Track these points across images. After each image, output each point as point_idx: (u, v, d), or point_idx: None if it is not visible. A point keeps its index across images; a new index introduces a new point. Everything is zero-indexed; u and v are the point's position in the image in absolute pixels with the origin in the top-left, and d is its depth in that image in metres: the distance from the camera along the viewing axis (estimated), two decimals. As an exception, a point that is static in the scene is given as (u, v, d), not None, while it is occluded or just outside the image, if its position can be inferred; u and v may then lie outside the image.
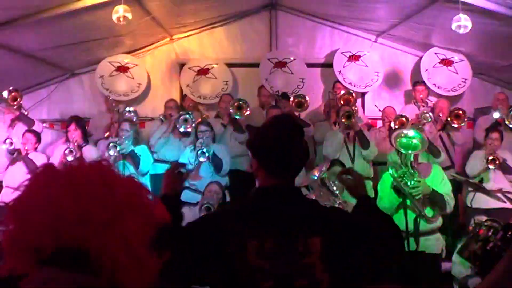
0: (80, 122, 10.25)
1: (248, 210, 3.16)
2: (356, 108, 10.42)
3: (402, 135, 7.71)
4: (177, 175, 3.80)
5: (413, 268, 7.58)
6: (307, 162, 9.34)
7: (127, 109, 11.19)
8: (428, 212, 7.54)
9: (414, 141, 7.63)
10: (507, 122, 10.19)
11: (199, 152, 9.31)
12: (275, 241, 2.94)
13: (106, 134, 10.77)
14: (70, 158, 9.59)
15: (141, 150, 9.89)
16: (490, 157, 9.42)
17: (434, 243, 7.67)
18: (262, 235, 2.95)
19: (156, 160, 10.27)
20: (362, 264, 3.13)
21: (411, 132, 7.82)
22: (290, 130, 3.24)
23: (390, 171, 7.59)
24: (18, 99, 10.45)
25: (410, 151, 7.54)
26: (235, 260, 2.89)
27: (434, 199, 7.53)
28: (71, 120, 10.27)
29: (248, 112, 10.32)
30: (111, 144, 9.61)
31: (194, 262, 3.00)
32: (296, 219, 3.07)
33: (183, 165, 4.09)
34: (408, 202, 7.44)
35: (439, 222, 7.72)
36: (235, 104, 10.40)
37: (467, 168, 9.97)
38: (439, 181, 7.76)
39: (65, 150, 9.73)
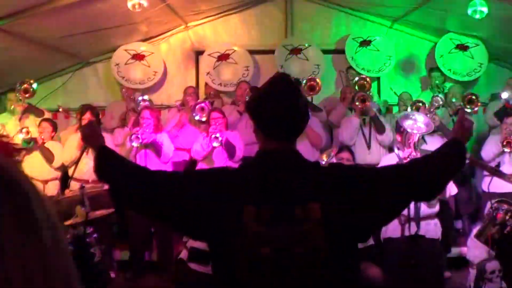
0: (94, 110, 10.26)
1: (246, 175, 3.13)
2: (370, 93, 10.40)
3: (409, 116, 7.68)
4: (93, 126, 3.79)
5: (415, 251, 7.60)
6: (323, 146, 9.26)
7: (140, 98, 11.17)
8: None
9: (419, 123, 7.61)
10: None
11: (212, 137, 9.31)
12: (273, 207, 2.89)
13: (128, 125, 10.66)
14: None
15: (162, 138, 9.85)
16: (506, 141, 9.39)
17: (433, 228, 7.66)
18: (259, 201, 2.90)
19: (176, 148, 10.26)
20: (361, 223, 3.09)
21: (418, 115, 7.80)
22: (284, 89, 3.18)
23: (396, 151, 7.58)
24: (31, 91, 10.46)
25: (415, 132, 7.51)
26: (229, 223, 2.86)
27: None
28: (86, 108, 10.27)
29: None
30: (133, 136, 9.58)
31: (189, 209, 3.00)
32: (294, 183, 3.02)
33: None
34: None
35: (437, 207, 7.72)
36: (249, 89, 10.38)
37: (482, 153, 9.94)
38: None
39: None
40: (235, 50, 12.19)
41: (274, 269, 2.82)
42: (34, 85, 10.38)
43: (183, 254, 7.41)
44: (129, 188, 3.21)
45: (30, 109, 10.65)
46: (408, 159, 7.44)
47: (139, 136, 9.48)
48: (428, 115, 8.67)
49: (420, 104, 10.23)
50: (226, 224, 2.87)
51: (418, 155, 7.47)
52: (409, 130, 7.50)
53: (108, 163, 3.37)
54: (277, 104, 3.12)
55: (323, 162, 7.59)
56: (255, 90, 3.39)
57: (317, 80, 10.62)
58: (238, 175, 3.16)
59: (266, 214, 2.86)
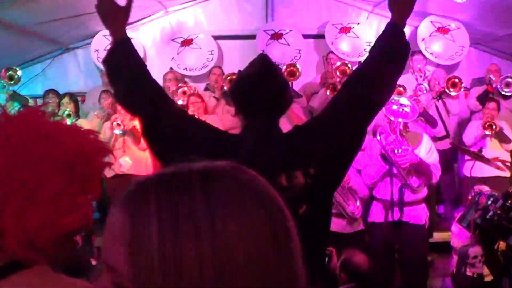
0: (73, 96, 10.19)
1: (230, 146, 3.15)
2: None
3: (393, 101, 7.65)
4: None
5: (398, 238, 7.63)
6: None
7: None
8: (413, 182, 7.53)
9: (405, 109, 7.58)
10: (500, 89, 10.24)
11: None
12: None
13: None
14: (69, 121, 9.55)
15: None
16: (487, 124, 9.41)
17: (418, 214, 7.67)
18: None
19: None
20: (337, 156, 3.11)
21: (403, 100, 7.78)
22: (263, 70, 3.17)
23: (378, 137, 7.56)
24: (16, 78, 10.38)
25: (400, 119, 7.50)
26: None
27: (420, 168, 7.52)
28: (64, 93, 10.20)
29: None
30: (114, 123, 9.51)
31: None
32: (276, 155, 3.05)
33: None
34: (394, 169, 7.44)
35: (423, 192, 7.73)
36: (228, 78, 10.35)
37: (464, 137, 9.99)
38: (426, 150, 7.75)
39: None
40: (198, 36, 12.16)
41: None
42: (19, 72, 10.30)
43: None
44: (137, 89, 3.23)
45: (15, 96, 10.53)
46: (392, 145, 7.44)
47: (119, 122, 9.43)
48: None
49: (401, 88, 10.24)
50: None
51: (404, 141, 7.48)
52: (392, 118, 7.48)
53: (125, 62, 3.34)
54: (256, 85, 3.13)
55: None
56: (237, 73, 3.41)
57: (297, 65, 10.60)
58: (226, 144, 3.18)
59: None
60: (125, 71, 3.27)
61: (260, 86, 3.12)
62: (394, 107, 7.53)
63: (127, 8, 3.35)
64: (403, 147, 7.42)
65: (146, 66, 3.48)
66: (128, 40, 3.37)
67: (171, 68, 11.88)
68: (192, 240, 1.03)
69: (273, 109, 3.20)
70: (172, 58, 11.98)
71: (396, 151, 7.41)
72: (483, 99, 10.25)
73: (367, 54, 3.46)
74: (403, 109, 7.55)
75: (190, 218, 1.05)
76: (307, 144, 3.13)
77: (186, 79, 11.80)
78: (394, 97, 8.02)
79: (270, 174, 2.90)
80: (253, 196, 1.11)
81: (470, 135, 9.83)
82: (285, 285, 1.08)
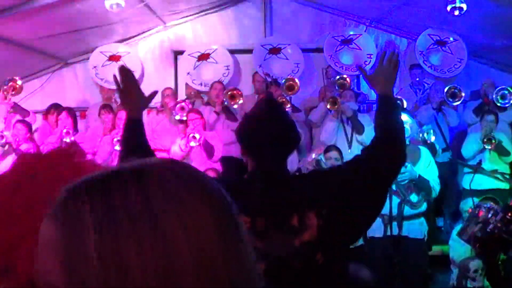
0: (71, 111, 10.17)
1: (239, 189, 3.05)
2: (348, 92, 10.36)
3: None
4: (134, 82, 3.56)
5: (397, 253, 7.60)
6: (302, 147, 9.28)
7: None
8: (413, 197, 7.52)
9: (406, 125, 7.58)
10: (495, 101, 10.25)
11: (190, 137, 9.27)
12: (268, 218, 2.91)
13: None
14: (67, 139, 9.54)
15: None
16: (486, 138, 9.41)
17: (418, 228, 7.66)
18: (253, 213, 2.89)
19: (155, 149, 10.19)
20: (354, 219, 3.12)
21: (403, 116, 7.77)
22: (265, 112, 3.20)
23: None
24: (17, 88, 10.36)
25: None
26: None
27: (419, 184, 7.51)
28: (62, 108, 10.18)
29: (241, 101, 10.25)
30: (115, 140, 9.51)
31: None
32: (287, 196, 3.05)
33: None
34: (393, 186, 7.42)
35: (423, 206, 7.72)
36: (229, 93, 10.34)
37: (463, 150, 9.97)
38: (426, 165, 7.75)
39: (62, 130, 9.65)
40: (215, 50, 12.09)
41: (270, 283, 2.80)
42: (19, 82, 10.28)
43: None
44: None
45: (16, 108, 10.52)
46: None
47: (119, 139, 9.42)
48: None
49: (398, 102, 10.25)
50: None
51: None
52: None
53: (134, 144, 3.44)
54: (262, 128, 3.16)
55: (310, 159, 7.59)
56: (244, 115, 3.43)
57: (296, 80, 10.60)
58: (234, 188, 3.18)
59: (261, 225, 2.84)
60: (132, 144, 3.43)
61: (265, 129, 3.14)
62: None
63: (149, 98, 3.58)
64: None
65: (148, 143, 3.61)
66: (139, 121, 3.49)
67: (186, 84, 11.90)
68: (134, 245, 0.95)
69: (279, 151, 3.22)
70: (188, 73, 11.93)
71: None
72: (479, 111, 10.26)
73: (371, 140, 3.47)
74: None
75: (129, 221, 0.97)
76: (321, 187, 3.13)
77: (202, 95, 11.80)
78: None
79: (282, 215, 2.92)
80: (195, 191, 1.04)
81: (469, 149, 9.82)
82: (235, 285, 1.02)
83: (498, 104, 10.22)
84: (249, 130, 3.24)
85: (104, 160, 9.91)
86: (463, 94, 10.45)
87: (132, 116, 3.45)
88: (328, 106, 9.83)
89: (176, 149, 9.56)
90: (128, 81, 3.48)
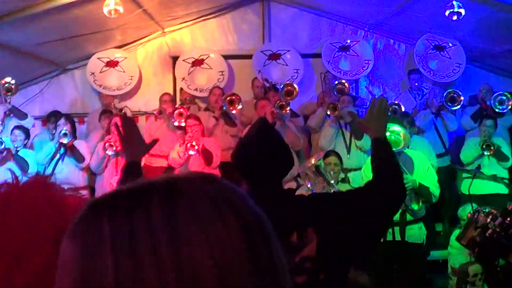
0: (69, 117, 10.14)
1: None
2: (347, 98, 10.36)
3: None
4: (135, 129, 3.57)
5: (399, 258, 7.61)
6: (301, 151, 9.27)
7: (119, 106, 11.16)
8: (414, 205, 7.53)
9: (397, 136, 7.59)
10: (493, 106, 10.26)
11: (188, 145, 9.26)
12: None
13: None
14: (65, 140, 9.51)
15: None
16: (485, 144, 9.41)
17: (417, 232, 7.67)
18: None
19: (154, 155, 10.18)
20: (352, 245, 3.16)
21: (396, 127, 7.77)
22: (257, 137, 3.32)
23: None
24: (13, 91, 10.33)
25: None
26: None
27: (420, 192, 7.53)
28: (60, 115, 10.15)
29: (239, 107, 10.23)
30: (107, 144, 9.51)
31: None
32: (286, 214, 3.10)
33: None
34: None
35: (422, 211, 7.74)
36: (228, 98, 10.34)
37: (462, 156, 9.97)
38: (424, 170, 7.77)
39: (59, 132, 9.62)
40: (209, 56, 12.11)
41: None
42: (13, 81, 10.24)
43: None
44: None
45: (14, 111, 10.50)
46: None
47: (112, 143, 9.41)
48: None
49: (396, 107, 10.27)
50: None
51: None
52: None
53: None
54: (255, 153, 3.29)
55: (310, 164, 7.59)
56: (239, 141, 3.53)
57: (294, 85, 10.60)
58: None
59: None
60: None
61: (260, 154, 3.25)
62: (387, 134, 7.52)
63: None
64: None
65: None
66: (138, 164, 3.55)
67: (181, 89, 11.90)
68: (154, 267, 0.92)
69: (274, 173, 3.31)
70: (183, 79, 11.92)
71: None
72: (477, 117, 10.27)
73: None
74: (394, 136, 7.55)
75: (148, 242, 0.94)
76: (320, 206, 3.21)
77: (196, 100, 11.82)
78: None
79: (281, 232, 2.95)
80: (223, 208, 1.01)
81: (468, 154, 9.82)
82: None
83: (496, 110, 10.22)
84: (244, 155, 3.35)
85: (96, 165, 9.93)
86: (462, 98, 10.46)
87: (131, 160, 3.48)
88: (328, 112, 9.81)
89: (175, 156, 9.55)
90: (129, 129, 3.52)
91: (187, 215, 0.97)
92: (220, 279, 0.94)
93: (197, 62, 12.07)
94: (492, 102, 10.26)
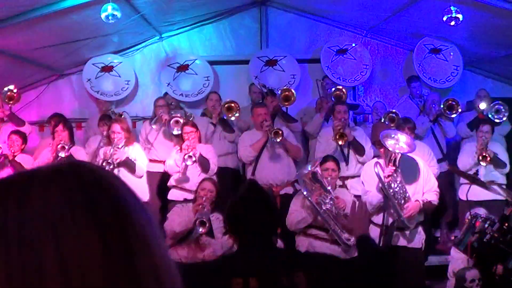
0: (68, 123, 10.08)
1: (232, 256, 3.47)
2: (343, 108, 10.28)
3: (391, 135, 7.70)
4: None
5: (396, 261, 7.64)
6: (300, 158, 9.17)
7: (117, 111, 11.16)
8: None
9: (402, 143, 7.62)
10: (490, 116, 10.29)
11: (185, 157, 9.21)
12: (259, 279, 3.07)
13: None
14: (62, 154, 9.47)
15: (134, 151, 9.67)
16: (481, 155, 9.41)
17: (416, 237, 7.70)
18: (246, 274, 3.12)
19: (151, 160, 10.17)
20: None
21: (401, 135, 7.80)
22: (246, 198, 3.52)
23: (376, 169, 7.58)
24: (15, 98, 10.33)
25: (397, 151, 7.52)
26: None
27: (424, 210, 7.67)
28: (58, 120, 10.10)
29: (237, 114, 10.21)
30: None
31: None
32: (278, 259, 3.32)
33: None
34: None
35: (421, 216, 7.78)
36: (226, 105, 10.34)
37: (459, 163, 9.97)
38: (424, 177, 7.81)
39: (57, 145, 9.56)
40: (194, 61, 12.11)
41: None
42: (15, 90, 10.24)
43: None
44: None
45: (12, 118, 10.50)
46: (389, 178, 7.49)
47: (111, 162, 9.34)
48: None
49: (394, 115, 10.28)
50: None
51: (398, 177, 7.54)
52: (390, 149, 7.50)
53: None
54: (245, 213, 3.47)
55: (306, 171, 7.60)
56: (231, 200, 3.71)
57: (292, 90, 10.59)
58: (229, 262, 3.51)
59: (254, 286, 3.06)
60: None
61: (248, 213, 3.42)
62: (391, 141, 7.55)
63: None
64: (406, 195, 7.54)
65: None
66: None
67: (165, 94, 11.83)
68: (3, 255, 0.91)
69: (264, 229, 3.46)
70: (168, 84, 11.90)
71: (393, 185, 7.50)
72: (473, 125, 10.28)
73: None
74: (399, 143, 7.58)
75: (1, 231, 0.93)
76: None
77: (181, 105, 11.77)
78: (392, 132, 8.08)
79: (272, 276, 3.09)
80: (80, 200, 0.96)
81: (465, 161, 9.82)
82: None
83: (494, 120, 10.26)
84: (234, 215, 3.53)
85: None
86: (460, 110, 10.49)
87: None
88: (340, 143, 9.60)
89: (171, 163, 9.49)
90: None
91: (39, 210, 0.95)
92: (64, 270, 0.91)
93: (182, 68, 12.06)
94: (489, 112, 10.31)
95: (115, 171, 9.44)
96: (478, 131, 9.80)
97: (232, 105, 10.22)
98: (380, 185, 7.51)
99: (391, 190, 7.45)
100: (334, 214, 7.52)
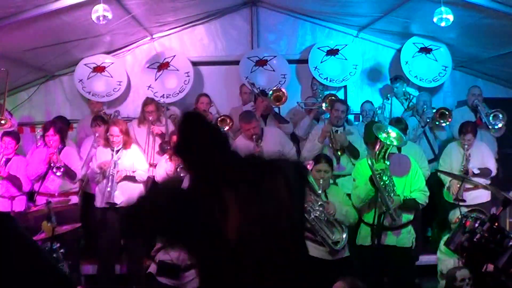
0: (58, 125, 9.93)
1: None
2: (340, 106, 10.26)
3: (383, 130, 7.71)
4: None
5: (386, 261, 7.65)
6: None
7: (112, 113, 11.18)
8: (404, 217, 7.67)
9: (392, 138, 7.62)
10: (485, 120, 10.36)
11: (178, 169, 9.11)
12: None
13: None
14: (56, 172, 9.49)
15: (133, 153, 9.69)
16: (457, 200, 9.34)
17: (406, 237, 7.72)
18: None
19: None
20: None
21: (391, 130, 7.80)
22: (187, 126, 3.17)
23: (369, 161, 7.57)
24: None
25: (388, 143, 7.51)
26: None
27: (406, 206, 7.65)
28: (50, 124, 9.98)
29: (227, 128, 10.26)
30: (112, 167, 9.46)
31: None
32: None
33: None
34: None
35: (411, 216, 7.80)
36: (219, 118, 10.45)
37: (441, 160, 10.04)
38: (413, 175, 7.83)
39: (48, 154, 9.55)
40: (174, 57, 12.06)
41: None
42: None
43: (152, 268, 7.37)
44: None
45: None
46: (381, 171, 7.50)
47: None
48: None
49: (379, 111, 10.35)
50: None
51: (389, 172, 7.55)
52: (382, 140, 7.50)
53: None
54: (184, 141, 3.04)
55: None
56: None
57: (283, 90, 10.62)
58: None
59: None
60: None
61: (190, 143, 3.00)
62: (383, 135, 7.56)
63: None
64: (393, 189, 7.56)
65: None
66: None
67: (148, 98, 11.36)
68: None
69: (208, 163, 3.18)
70: (149, 87, 11.90)
71: (384, 178, 7.51)
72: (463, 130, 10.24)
73: None
74: (390, 137, 7.58)
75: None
76: None
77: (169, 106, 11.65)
78: (384, 125, 8.11)
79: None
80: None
81: (452, 167, 9.86)
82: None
83: (495, 127, 10.35)
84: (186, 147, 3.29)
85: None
86: (450, 118, 10.50)
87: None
88: (339, 153, 9.67)
89: (161, 172, 9.40)
90: None
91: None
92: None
93: (163, 66, 12.03)
94: (487, 119, 10.38)
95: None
96: (461, 137, 9.79)
97: (228, 120, 10.31)
98: (373, 176, 7.49)
99: (382, 182, 7.46)
100: (324, 219, 7.58)
